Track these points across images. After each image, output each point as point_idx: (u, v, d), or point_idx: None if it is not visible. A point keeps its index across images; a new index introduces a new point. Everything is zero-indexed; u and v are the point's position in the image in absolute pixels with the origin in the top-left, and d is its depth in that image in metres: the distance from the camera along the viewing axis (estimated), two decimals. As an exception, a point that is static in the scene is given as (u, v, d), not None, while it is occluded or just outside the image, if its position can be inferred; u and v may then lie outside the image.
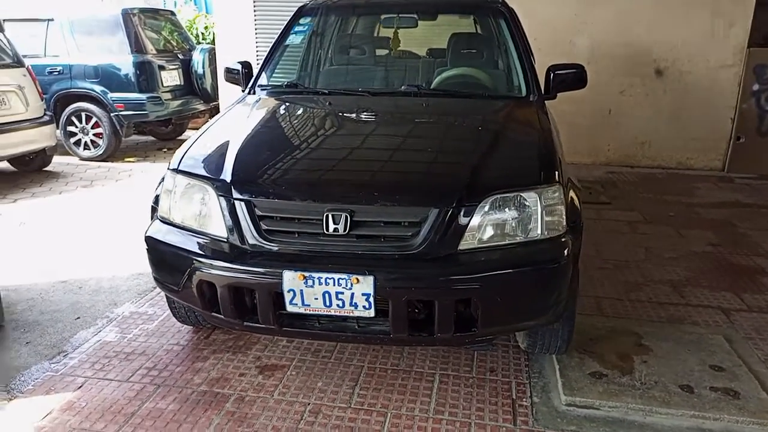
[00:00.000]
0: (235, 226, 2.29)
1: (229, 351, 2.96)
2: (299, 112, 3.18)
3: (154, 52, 7.55)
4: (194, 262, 2.31)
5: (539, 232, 2.29)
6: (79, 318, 3.31)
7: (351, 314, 2.19)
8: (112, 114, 7.24)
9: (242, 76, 3.62)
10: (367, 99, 3.20)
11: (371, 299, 2.13)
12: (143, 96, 7.26)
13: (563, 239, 2.33)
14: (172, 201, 2.51)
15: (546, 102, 3.46)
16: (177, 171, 2.53)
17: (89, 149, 7.41)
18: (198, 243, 2.36)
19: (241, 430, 2.38)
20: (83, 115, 7.33)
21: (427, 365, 2.84)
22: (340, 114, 3.10)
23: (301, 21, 3.74)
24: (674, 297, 3.61)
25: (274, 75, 3.68)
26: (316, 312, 2.20)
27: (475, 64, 3.62)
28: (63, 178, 6.59)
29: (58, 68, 7.30)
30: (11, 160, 6.68)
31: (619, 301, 3.55)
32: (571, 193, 2.51)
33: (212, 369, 2.80)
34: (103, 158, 7.38)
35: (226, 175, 2.37)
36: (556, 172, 2.41)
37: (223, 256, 2.27)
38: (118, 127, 7.28)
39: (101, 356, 2.91)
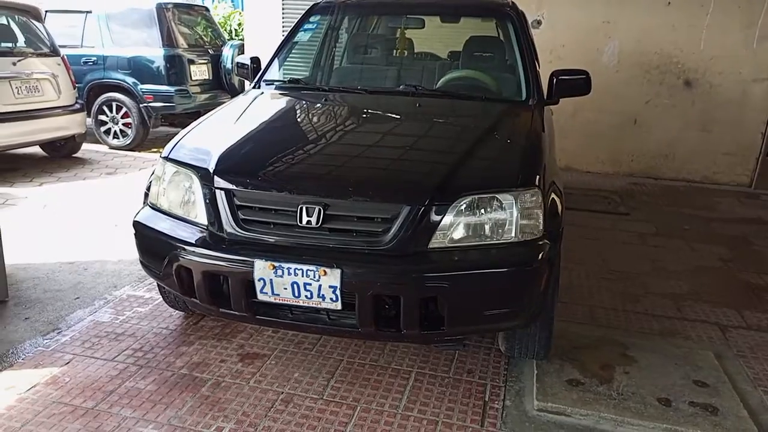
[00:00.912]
0: (215, 214, 2.35)
1: (214, 338, 3.03)
2: (292, 106, 3.23)
3: (185, 46, 7.75)
4: (175, 247, 2.39)
5: (513, 234, 2.28)
6: (78, 298, 3.43)
7: (319, 306, 2.22)
8: (141, 105, 7.46)
9: (250, 70, 3.70)
10: (364, 97, 3.24)
11: (338, 292, 2.16)
12: (172, 89, 7.46)
13: (539, 243, 2.31)
14: (160, 188, 2.60)
15: (551, 107, 3.47)
16: (167, 159, 2.61)
17: (118, 138, 7.64)
18: (179, 229, 2.43)
19: (212, 414, 2.44)
20: (114, 104, 7.58)
21: (406, 362, 2.86)
22: (331, 110, 3.15)
23: (312, 19, 3.80)
24: (671, 310, 3.54)
25: (284, 71, 3.76)
26: (286, 302, 2.25)
27: (481, 67, 3.62)
28: (89, 165, 6.82)
29: (93, 59, 7.57)
30: (43, 145, 6.95)
31: (613, 311, 3.50)
32: (553, 198, 2.49)
33: (195, 354, 2.88)
34: (130, 148, 7.61)
35: (210, 164, 2.43)
36: (537, 176, 2.39)
37: (201, 243, 2.33)
38: (146, 118, 7.50)
39: (92, 335, 3.01)
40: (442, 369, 2.82)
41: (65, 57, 6.70)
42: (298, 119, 3.01)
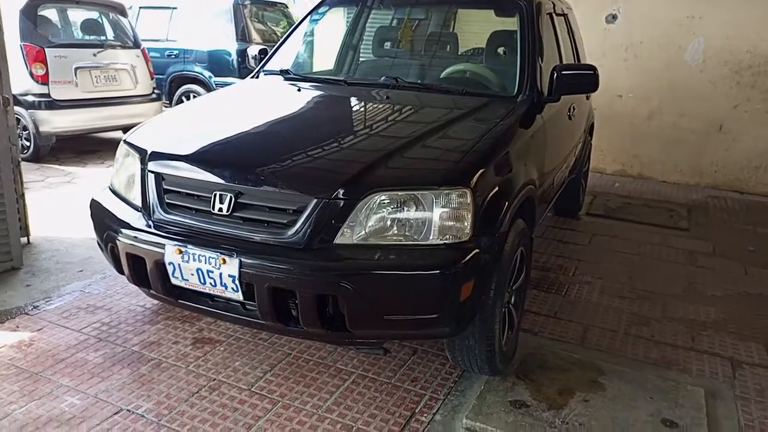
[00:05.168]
0: (145, 196, 2.40)
1: (180, 319, 3.09)
2: (256, 95, 3.20)
3: (259, 41, 8.02)
4: (109, 227, 2.46)
5: (432, 236, 2.11)
6: (82, 271, 3.66)
7: (222, 294, 2.19)
8: (214, 96, 7.84)
9: (257, 61, 3.74)
10: (339, 88, 3.15)
11: (237, 282, 2.11)
12: (242, 82, 7.76)
13: (463, 248, 2.12)
14: (115, 169, 2.69)
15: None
16: (124, 141, 2.70)
17: (194, 127, 8.08)
18: (118, 210, 2.50)
19: (138, 392, 2.49)
20: (192, 96, 8.02)
21: (352, 364, 2.75)
22: (293, 99, 3.09)
23: (320, 10, 3.77)
24: (683, 339, 3.12)
25: (299, 61, 3.78)
26: (195, 288, 2.24)
27: (483, 60, 3.42)
28: (160, 151, 7.26)
29: (175, 52, 8.07)
30: (125, 131, 7.50)
31: (611, 333, 3.15)
32: (494, 200, 2.27)
33: (155, 333, 2.96)
34: (204, 137, 8.02)
35: (149, 146, 2.48)
36: (470, 175, 2.19)
37: (128, 224, 2.38)
38: (219, 109, 7.86)
39: (74, 306, 3.19)
40: (386, 374, 2.69)
41: (145, 50, 7.18)
42: (252, 108, 2.98)
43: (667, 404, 2.50)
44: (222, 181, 2.23)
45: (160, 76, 7.79)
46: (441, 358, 2.81)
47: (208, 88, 7.87)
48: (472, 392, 2.56)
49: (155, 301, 3.26)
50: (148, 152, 2.44)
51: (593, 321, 3.28)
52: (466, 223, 2.14)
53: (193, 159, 2.34)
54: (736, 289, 3.82)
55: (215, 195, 2.21)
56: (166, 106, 7.77)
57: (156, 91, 7.31)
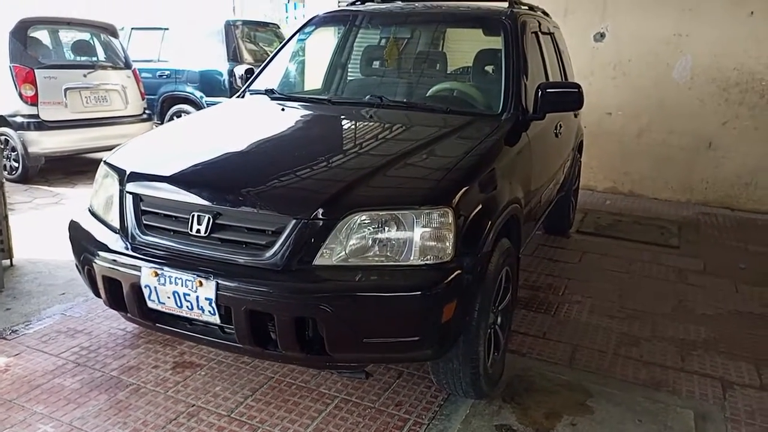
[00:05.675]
0: (123, 217, 2.36)
1: (162, 343, 3.03)
2: (239, 115, 3.19)
3: (251, 61, 8.04)
4: (86, 249, 2.42)
5: (413, 257, 2.07)
6: (64, 293, 3.60)
7: (200, 318, 2.14)
8: (205, 116, 7.84)
9: (243, 81, 3.73)
10: (323, 107, 3.14)
11: (214, 305, 2.07)
12: (234, 101, 7.77)
13: (445, 268, 2.08)
14: (94, 190, 2.66)
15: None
16: (104, 161, 2.66)
17: (185, 147, 8.07)
18: (95, 232, 2.46)
19: (114, 419, 2.43)
20: (183, 115, 8.00)
21: (335, 388, 2.69)
22: (275, 119, 3.07)
23: (306, 29, 3.77)
24: (672, 359, 3.08)
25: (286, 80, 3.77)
26: (172, 311, 2.19)
27: (468, 79, 3.42)
28: (150, 171, 7.23)
29: (167, 72, 8.08)
30: (115, 151, 7.48)
31: (600, 354, 3.10)
32: (477, 218, 2.24)
33: (134, 357, 2.90)
34: (195, 156, 8.00)
35: (128, 166, 2.45)
36: (452, 195, 2.16)
37: (104, 245, 2.34)
38: (210, 129, 7.85)
39: (53, 330, 3.13)
40: (370, 398, 2.63)
41: (136, 70, 7.18)
42: (235, 128, 2.96)
43: (656, 427, 2.45)
44: (200, 202, 2.19)
45: (152, 97, 7.80)
46: (426, 381, 2.76)
47: (200, 108, 7.85)
48: (457, 416, 2.50)
49: (136, 325, 3.20)
50: (127, 173, 2.41)
51: (582, 341, 3.23)
52: (447, 243, 2.10)
53: (171, 180, 2.31)
54: (726, 308, 3.78)
55: (193, 216, 2.17)
56: (157, 126, 7.76)
57: (147, 111, 7.30)
